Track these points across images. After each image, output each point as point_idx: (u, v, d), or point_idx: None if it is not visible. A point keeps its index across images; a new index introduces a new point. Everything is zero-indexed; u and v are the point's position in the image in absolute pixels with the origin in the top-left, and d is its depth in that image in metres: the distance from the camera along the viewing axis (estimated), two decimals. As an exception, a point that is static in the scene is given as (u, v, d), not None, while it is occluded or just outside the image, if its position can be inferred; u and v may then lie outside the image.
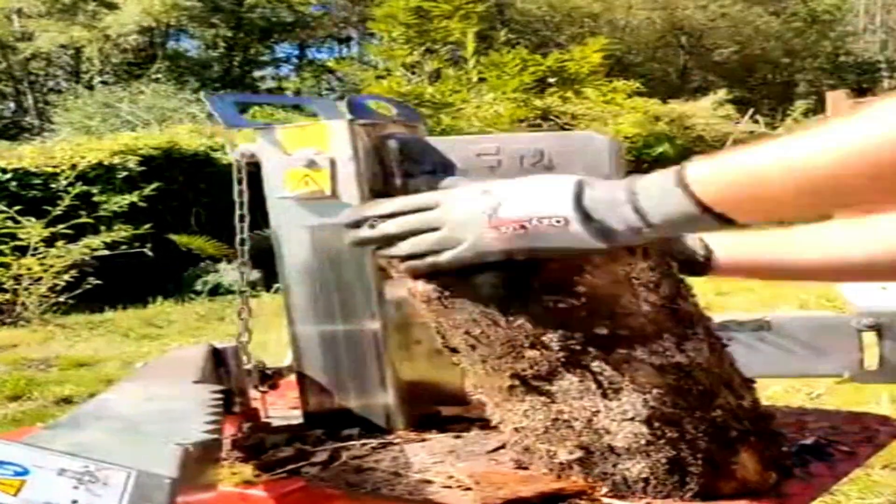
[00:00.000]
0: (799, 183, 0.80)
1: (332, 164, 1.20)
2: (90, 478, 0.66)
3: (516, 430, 1.03)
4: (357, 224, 1.03)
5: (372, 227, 1.01)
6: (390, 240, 1.00)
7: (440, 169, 1.21)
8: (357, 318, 1.23)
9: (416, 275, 1.00)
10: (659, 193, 0.85)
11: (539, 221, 0.88)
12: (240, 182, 1.30)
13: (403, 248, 0.99)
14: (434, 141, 1.24)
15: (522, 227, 0.89)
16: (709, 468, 0.93)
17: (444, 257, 0.96)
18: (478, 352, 1.00)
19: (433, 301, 1.00)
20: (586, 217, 0.87)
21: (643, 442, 0.94)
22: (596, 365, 0.94)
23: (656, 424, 0.93)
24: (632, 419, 0.94)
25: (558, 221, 0.87)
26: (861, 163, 0.76)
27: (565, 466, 0.98)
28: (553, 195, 0.89)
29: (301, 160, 1.21)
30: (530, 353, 0.96)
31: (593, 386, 0.95)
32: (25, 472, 0.65)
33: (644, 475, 0.94)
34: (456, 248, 0.94)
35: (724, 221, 0.85)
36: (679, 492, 0.94)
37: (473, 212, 0.93)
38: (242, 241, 1.32)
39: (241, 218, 1.31)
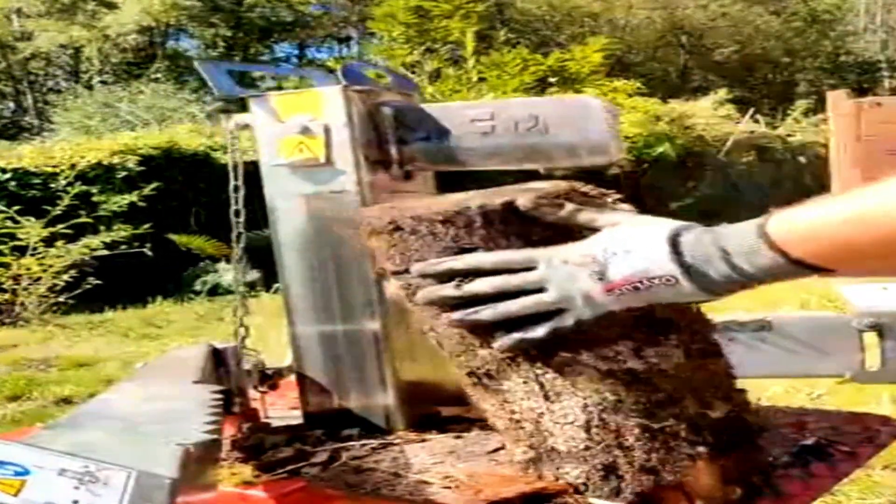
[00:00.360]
0: (873, 235, 0.80)
1: (327, 130, 1.19)
2: (90, 478, 0.66)
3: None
4: (435, 278, 0.95)
5: (458, 287, 0.94)
6: (477, 301, 0.93)
7: (434, 135, 1.21)
8: (357, 318, 1.22)
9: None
10: (747, 249, 0.84)
11: (650, 281, 0.87)
12: (234, 153, 1.30)
13: (499, 310, 0.92)
14: (428, 107, 1.24)
15: (635, 287, 0.87)
16: (648, 477, 0.91)
17: (544, 329, 0.91)
18: (445, 349, 1.00)
19: (404, 300, 1.01)
20: (689, 273, 0.86)
21: (581, 447, 0.93)
22: (538, 367, 0.94)
23: (594, 430, 0.92)
24: (571, 423, 0.93)
25: (669, 280, 0.86)
26: None
27: (524, 466, 0.98)
28: (654, 250, 0.87)
29: (295, 127, 1.19)
30: (482, 352, 0.96)
31: (536, 388, 0.94)
32: (26, 473, 0.65)
33: (581, 479, 0.93)
34: (566, 314, 0.90)
35: (823, 271, 0.84)
36: (615, 499, 0.92)
37: (580, 273, 0.89)
38: (237, 213, 1.32)
39: (236, 189, 1.31)
